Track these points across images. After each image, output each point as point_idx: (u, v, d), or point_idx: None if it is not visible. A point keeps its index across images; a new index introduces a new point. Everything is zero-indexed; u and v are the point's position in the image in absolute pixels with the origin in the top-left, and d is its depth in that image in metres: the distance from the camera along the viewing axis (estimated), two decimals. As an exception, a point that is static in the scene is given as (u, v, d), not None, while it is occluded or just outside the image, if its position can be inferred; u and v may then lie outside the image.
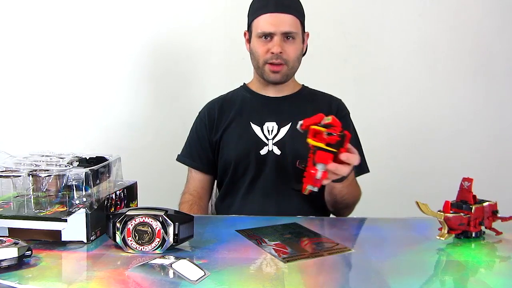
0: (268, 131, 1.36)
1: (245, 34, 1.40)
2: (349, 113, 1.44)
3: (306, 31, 1.38)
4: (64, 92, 1.91)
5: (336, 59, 1.91)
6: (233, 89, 1.49)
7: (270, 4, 1.31)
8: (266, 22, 1.30)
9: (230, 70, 1.88)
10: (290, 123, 1.36)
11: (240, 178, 1.37)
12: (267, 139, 1.35)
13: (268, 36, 1.31)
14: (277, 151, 1.34)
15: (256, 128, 1.36)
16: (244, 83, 1.48)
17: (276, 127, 1.36)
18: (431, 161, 1.96)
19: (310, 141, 0.93)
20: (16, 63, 1.90)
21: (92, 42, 1.89)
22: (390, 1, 1.92)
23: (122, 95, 1.93)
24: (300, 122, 0.96)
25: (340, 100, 1.45)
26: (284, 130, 1.36)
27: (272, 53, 1.30)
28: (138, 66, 1.93)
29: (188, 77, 1.94)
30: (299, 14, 1.34)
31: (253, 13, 1.35)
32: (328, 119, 0.95)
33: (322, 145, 0.93)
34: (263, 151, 1.35)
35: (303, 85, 1.47)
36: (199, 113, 1.46)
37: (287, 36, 1.31)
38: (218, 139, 1.39)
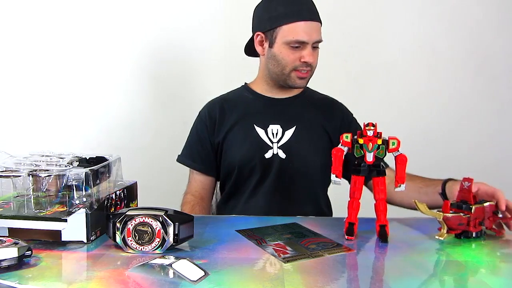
0: (273, 134, 1.34)
1: (257, 35, 1.34)
2: (352, 115, 1.46)
3: None
4: (64, 92, 1.91)
5: (336, 59, 1.91)
6: (233, 89, 1.48)
7: (303, 11, 1.27)
8: (302, 30, 1.26)
9: (230, 70, 1.88)
10: (295, 126, 1.35)
11: (244, 181, 1.36)
12: (272, 142, 1.34)
13: (300, 44, 1.27)
14: (282, 154, 1.33)
15: (260, 131, 1.35)
16: (245, 83, 1.47)
17: (280, 130, 1.35)
18: (431, 161, 1.96)
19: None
20: (16, 63, 1.90)
21: (92, 42, 1.89)
22: (390, 1, 1.92)
23: (122, 95, 1.93)
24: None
25: (342, 103, 1.46)
26: (289, 133, 1.34)
27: (305, 61, 1.28)
28: (138, 66, 1.93)
29: (188, 77, 1.94)
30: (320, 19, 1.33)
31: (278, 18, 1.28)
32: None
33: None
34: (268, 155, 1.33)
35: (304, 85, 1.46)
36: (199, 113, 1.45)
37: (316, 44, 1.29)
38: (221, 140, 1.38)
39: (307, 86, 1.46)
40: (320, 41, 1.29)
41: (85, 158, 1.08)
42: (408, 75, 1.95)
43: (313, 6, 1.31)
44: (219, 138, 1.38)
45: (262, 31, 1.32)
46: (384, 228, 0.97)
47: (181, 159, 1.44)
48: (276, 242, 0.96)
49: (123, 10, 1.89)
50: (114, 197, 1.03)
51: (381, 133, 0.97)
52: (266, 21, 1.31)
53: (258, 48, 1.36)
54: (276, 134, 1.34)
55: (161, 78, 1.94)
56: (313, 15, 1.29)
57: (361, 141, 0.96)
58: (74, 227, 0.90)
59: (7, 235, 0.91)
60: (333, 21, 1.89)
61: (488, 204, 1.00)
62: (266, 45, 1.33)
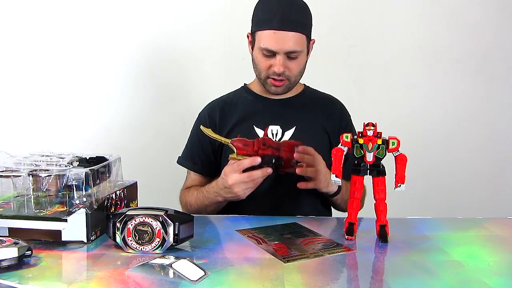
0: (272, 134, 1.34)
1: (248, 36, 1.36)
2: (350, 117, 1.45)
3: (312, 38, 1.34)
4: (64, 92, 1.91)
5: (336, 59, 1.91)
6: (233, 89, 1.48)
7: (275, 19, 1.24)
8: (270, 39, 1.25)
9: (230, 70, 1.88)
10: (295, 127, 1.35)
11: None
12: None
13: (270, 52, 1.27)
14: None
15: (260, 132, 1.34)
16: (244, 84, 1.47)
17: (280, 130, 1.34)
18: (431, 161, 1.96)
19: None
20: (16, 64, 1.89)
21: (92, 42, 1.89)
22: (390, 1, 1.92)
23: (122, 95, 1.93)
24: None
25: (342, 104, 1.46)
26: (289, 133, 1.34)
27: (274, 71, 1.28)
28: (138, 66, 1.92)
29: (188, 77, 1.93)
30: (305, 28, 1.29)
31: (257, 23, 1.30)
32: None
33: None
34: None
35: (304, 85, 1.46)
36: (199, 115, 1.44)
37: (290, 54, 1.27)
38: (221, 142, 1.38)
39: (307, 85, 1.46)
40: (294, 51, 1.25)
41: (85, 158, 1.08)
42: (408, 75, 1.95)
43: (293, 15, 1.26)
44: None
45: (250, 32, 1.35)
46: (384, 228, 0.98)
47: (181, 161, 1.43)
48: (276, 242, 0.96)
49: (123, 10, 1.89)
50: (114, 197, 1.03)
51: (381, 133, 0.97)
52: (252, 23, 1.33)
53: (248, 48, 1.37)
54: (276, 134, 1.34)
55: (160, 78, 1.94)
56: (286, 24, 1.24)
57: (361, 141, 0.97)
58: (74, 227, 0.90)
59: (7, 235, 0.91)
60: (333, 21, 1.90)
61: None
62: (251, 47, 1.35)
